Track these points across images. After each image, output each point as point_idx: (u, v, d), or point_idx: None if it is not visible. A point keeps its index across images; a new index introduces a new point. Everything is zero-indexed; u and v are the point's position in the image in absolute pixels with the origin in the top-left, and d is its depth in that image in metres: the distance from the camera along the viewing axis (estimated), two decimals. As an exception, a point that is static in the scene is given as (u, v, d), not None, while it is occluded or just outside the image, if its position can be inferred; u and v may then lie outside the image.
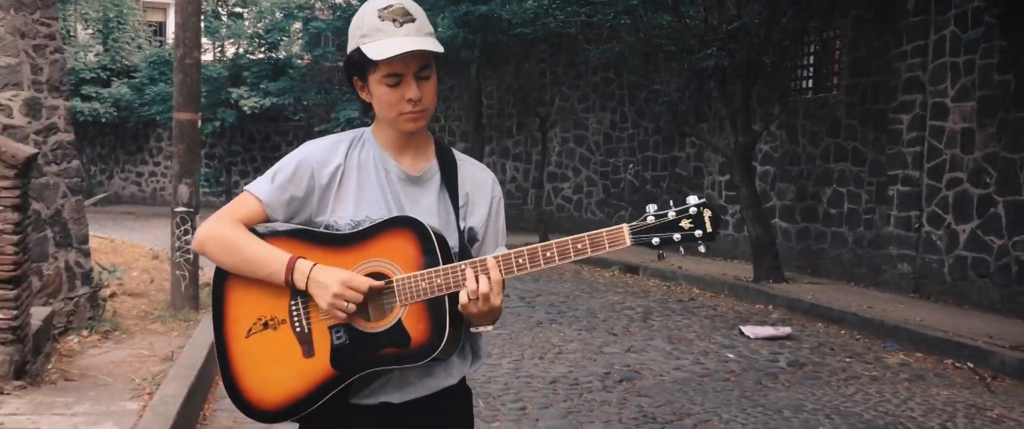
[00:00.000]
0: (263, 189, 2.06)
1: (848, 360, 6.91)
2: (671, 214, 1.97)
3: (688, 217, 1.96)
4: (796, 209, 11.47)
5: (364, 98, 2.08)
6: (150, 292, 8.22)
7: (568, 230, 15.51)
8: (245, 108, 18.81)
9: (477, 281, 1.92)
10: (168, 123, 19.67)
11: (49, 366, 5.16)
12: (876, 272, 10.02)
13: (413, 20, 1.99)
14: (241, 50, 20.64)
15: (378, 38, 1.97)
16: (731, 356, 6.93)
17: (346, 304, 1.93)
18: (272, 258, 1.98)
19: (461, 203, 2.10)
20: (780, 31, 10.14)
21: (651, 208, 1.98)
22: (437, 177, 2.10)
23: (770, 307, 9.24)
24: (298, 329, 2.00)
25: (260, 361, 2.02)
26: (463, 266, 1.95)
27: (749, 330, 7.77)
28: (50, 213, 6.09)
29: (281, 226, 2.05)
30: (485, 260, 1.94)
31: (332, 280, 1.93)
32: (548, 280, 10.84)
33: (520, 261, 1.95)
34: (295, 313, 2.01)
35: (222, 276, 2.07)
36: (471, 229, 2.11)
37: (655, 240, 1.96)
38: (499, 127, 17.43)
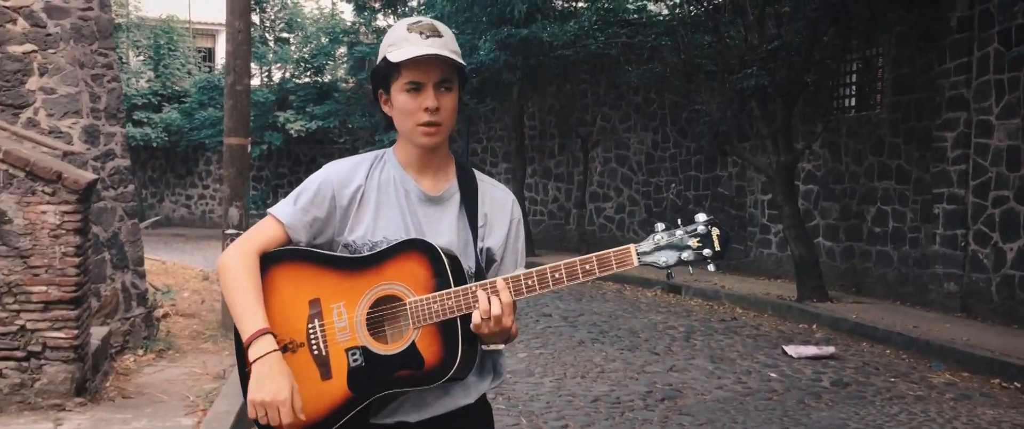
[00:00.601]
0: (286, 212, 2.08)
1: (893, 380, 6.87)
2: (679, 233, 1.96)
3: (696, 236, 1.95)
4: (840, 228, 11.41)
5: (386, 111, 2.10)
6: (201, 312, 8.43)
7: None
8: (291, 131, 19.17)
9: (489, 302, 1.93)
10: (217, 147, 20.13)
11: (107, 384, 5.34)
12: (922, 291, 9.93)
13: (440, 36, 2.02)
14: (287, 74, 21.06)
15: (404, 47, 2.00)
16: (774, 375, 6.92)
17: (264, 413, 1.93)
18: (247, 319, 1.98)
19: (480, 224, 2.11)
20: (821, 50, 10.14)
21: (659, 226, 1.97)
22: (457, 197, 2.11)
23: (814, 326, 9.20)
24: (316, 352, 2.02)
25: None
26: (474, 288, 1.96)
27: (792, 349, 7.75)
28: (108, 236, 6.31)
29: (298, 249, 2.07)
30: (495, 282, 1.96)
31: (271, 384, 1.92)
32: (590, 299, 10.90)
33: (529, 283, 1.95)
34: (313, 336, 2.02)
35: None
36: (489, 250, 2.11)
37: (663, 260, 1.95)
38: (541, 148, 17.55)
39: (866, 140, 10.89)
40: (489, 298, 1.93)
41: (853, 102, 11.60)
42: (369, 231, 2.06)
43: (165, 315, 7.50)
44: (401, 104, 2.03)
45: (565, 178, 17.25)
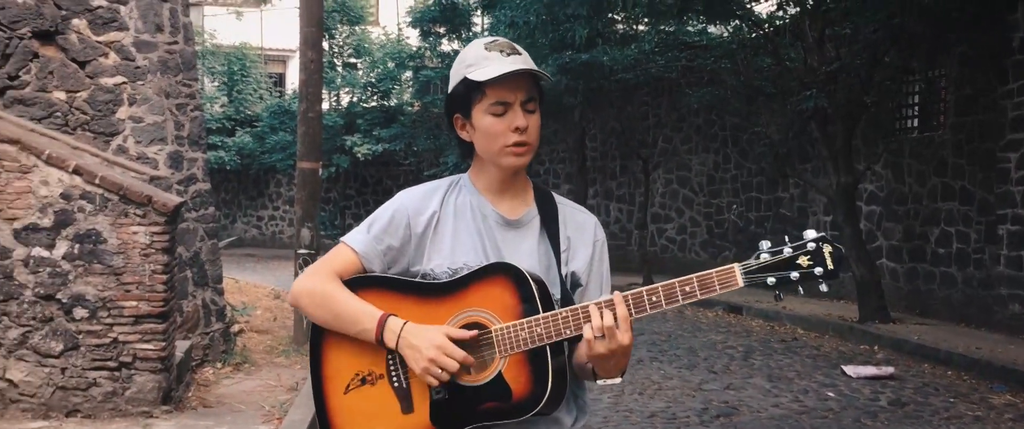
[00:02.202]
0: (359, 240, 2.02)
1: (952, 400, 6.88)
2: (787, 251, 1.83)
3: (806, 254, 1.81)
4: (903, 249, 11.35)
5: (464, 137, 2.01)
6: (274, 329, 8.82)
7: (672, 271, 15.63)
8: (359, 154, 19.69)
9: (602, 317, 1.81)
10: (287, 169, 20.76)
11: (189, 393, 5.70)
12: (987, 313, 9.84)
13: (520, 54, 1.96)
14: (355, 99, 21.64)
15: (485, 66, 1.92)
16: (831, 395, 6.99)
17: (439, 371, 1.86)
18: (363, 314, 1.93)
19: (562, 247, 2.01)
20: (881, 72, 10.17)
21: (764, 245, 1.86)
22: (536, 221, 2.03)
23: (875, 347, 9.19)
24: (396, 384, 1.94)
25: (359, 417, 1.96)
26: (564, 313, 1.85)
27: (851, 369, 7.79)
28: (190, 255, 6.71)
29: (376, 276, 2.00)
30: (613, 297, 1.84)
31: (426, 344, 1.87)
32: (651, 320, 11.02)
33: (652, 299, 1.85)
34: (393, 368, 1.94)
35: (319, 332, 2.02)
36: (574, 274, 2.02)
37: (770, 280, 1.82)
38: (602, 169, 17.73)
39: (929, 161, 10.84)
40: (602, 313, 1.81)
41: (916, 123, 11.56)
42: (447, 258, 1.98)
43: (241, 331, 7.89)
44: (487, 126, 1.94)
45: (627, 199, 17.39)
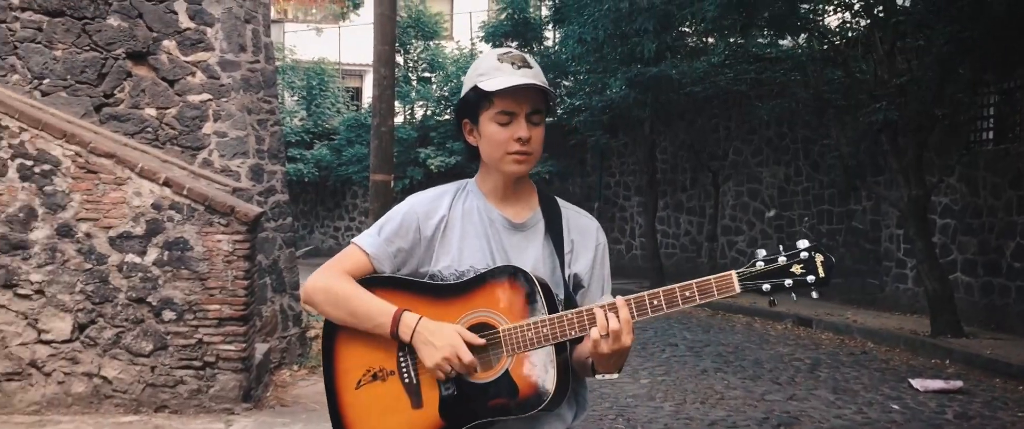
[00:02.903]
0: (370, 242, 2.09)
1: (1021, 415, 6.81)
2: (781, 259, 1.93)
3: (799, 262, 1.91)
4: (978, 263, 11.16)
5: (471, 141, 2.10)
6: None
7: (743, 283, 15.52)
8: (432, 166, 20.11)
9: (607, 319, 1.90)
10: (363, 182, 21.29)
11: (267, 393, 6.03)
12: (1065, 328, 9.63)
13: (531, 67, 2.03)
14: (429, 112, 22.10)
15: (495, 77, 2.00)
16: (896, 407, 6.98)
17: (451, 369, 1.94)
18: (378, 310, 2.00)
19: (566, 250, 2.09)
20: (953, 84, 10.06)
21: (760, 253, 1.95)
22: (541, 225, 2.10)
23: (946, 362, 9.08)
24: (407, 380, 2.01)
25: (370, 412, 2.03)
26: (569, 315, 1.94)
27: (919, 383, 7.74)
28: (269, 263, 7.06)
29: (387, 277, 2.07)
30: (615, 301, 1.94)
31: (441, 342, 1.95)
32: (718, 331, 11.06)
33: (654, 302, 1.94)
34: (403, 364, 2.01)
35: (331, 329, 2.09)
36: (576, 276, 2.10)
37: (765, 286, 1.92)
38: (673, 181, 17.76)
39: (1005, 174, 10.66)
40: (606, 315, 1.91)
41: (991, 135, 11.37)
42: (455, 260, 2.05)
43: (316, 336, 8.22)
44: (491, 133, 2.03)
45: (697, 211, 17.38)
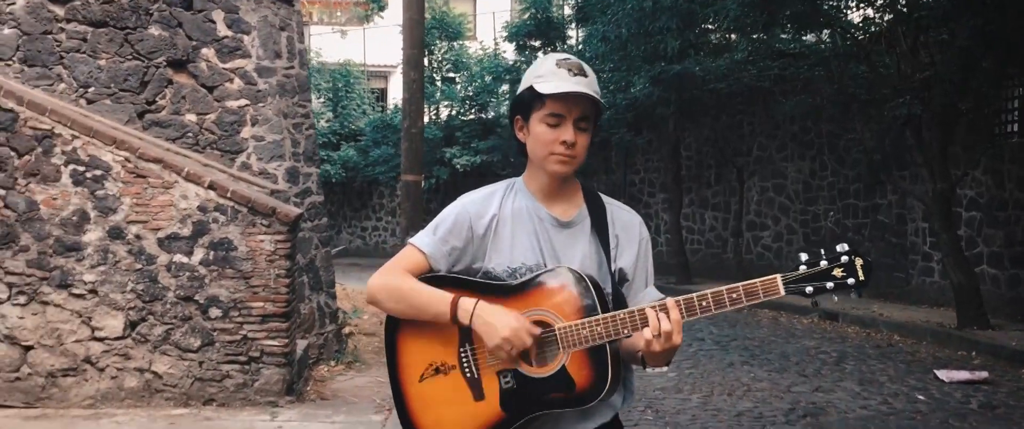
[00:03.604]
0: (426, 242, 2.20)
1: (1046, 405, 6.90)
2: (823, 263, 2.02)
3: (840, 266, 2.01)
4: (1004, 255, 11.20)
5: (520, 137, 2.21)
6: (381, 331, 9.36)
7: (768, 278, 15.61)
8: (457, 166, 20.33)
9: (659, 320, 2.01)
10: (389, 182, 21.57)
11: (308, 388, 6.26)
12: (1092, 319, 9.67)
13: (586, 76, 2.14)
14: (454, 112, 22.32)
15: (551, 80, 2.11)
16: (921, 398, 7.08)
17: (511, 348, 2.04)
18: (437, 299, 2.11)
19: (611, 246, 2.20)
20: (977, 78, 10.12)
21: (802, 257, 2.05)
22: (587, 222, 2.21)
23: (973, 353, 9.15)
24: (468, 374, 2.13)
25: (434, 404, 2.15)
26: (622, 315, 2.05)
27: (944, 374, 7.83)
28: (306, 262, 7.29)
29: (448, 276, 2.18)
30: (665, 302, 2.06)
31: (502, 322, 2.05)
32: (745, 325, 11.17)
33: (702, 304, 2.05)
34: (465, 359, 2.13)
35: (394, 325, 2.22)
36: (622, 270, 2.21)
37: (808, 289, 2.02)
38: (698, 177, 17.85)
39: (1030, 166, 10.70)
40: (658, 316, 2.02)
41: (1016, 127, 11.41)
42: (507, 258, 2.16)
43: (351, 333, 8.45)
44: (539, 133, 2.14)
45: (722, 207, 17.47)
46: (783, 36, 13.80)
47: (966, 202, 11.75)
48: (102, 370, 5.68)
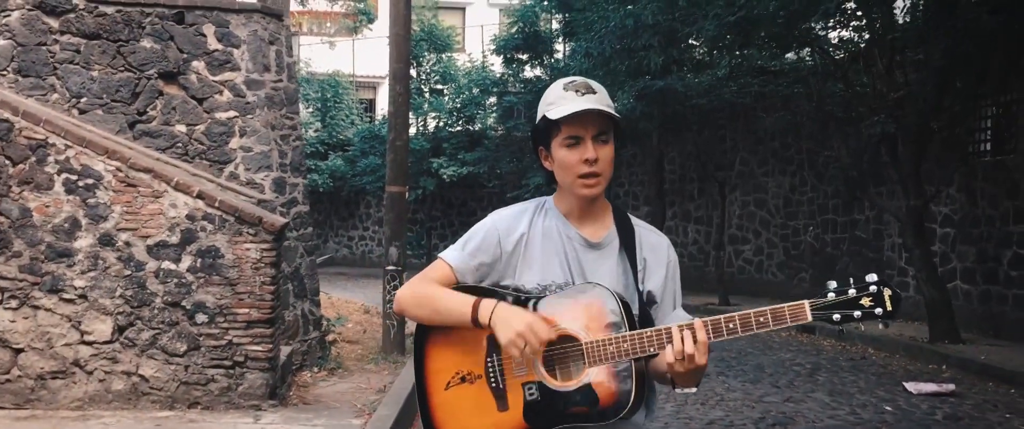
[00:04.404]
0: (455, 257, 2.24)
1: (1007, 416, 7.11)
2: (851, 292, 2.03)
3: (868, 295, 2.03)
4: (977, 271, 11.46)
5: (547, 166, 2.23)
6: (364, 340, 9.54)
7: (748, 292, 15.91)
8: (444, 176, 20.52)
9: (682, 342, 2.02)
10: (376, 192, 21.72)
11: (291, 393, 6.42)
12: (1059, 335, 9.92)
13: (595, 93, 2.15)
14: (441, 123, 22.52)
15: (562, 105, 2.13)
16: (888, 409, 7.29)
17: (524, 344, 2.06)
18: (459, 301, 2.16)
19: (639, 268, 2.21)
20: (950, 97, 10.38)
21: (831, 284, 2.06)
22: (616, 243, 2.23)
23: (943, 367, 9.37)
24: (494, 385, 2.15)
25: (458, 412, 2.18)
26: (648, 333, 2.06)
27: (912, 386, 8.04)
28: (291, 270, 7.46)
29: (478, 287, 2.22)
30: (693, 322, 2.06)
31: (517, 319, 2.08)
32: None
33: (729, 326, 2.06)
34: (491, 370, 2.15)
35: (423, 333, 2.25)
36: (650, 292, 2.22)
37: (836, 316, 2.04)
38: (681, 191, 18.09)
39: (1002, 184, 10.96)
40: (683, 338, 2.02)
41: (989, 147, 11.68)
42: (537, 275, 2.19)
43: (334, 341, 8.62)
44: (561, 158, 2.15)
45: (704, 221, 17.71)
46: (766, 53, 14.09)
47: (941, 219, 12.01)
48: (90, 373, 5.84)
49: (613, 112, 2.15)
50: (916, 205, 10.63)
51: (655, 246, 2.26)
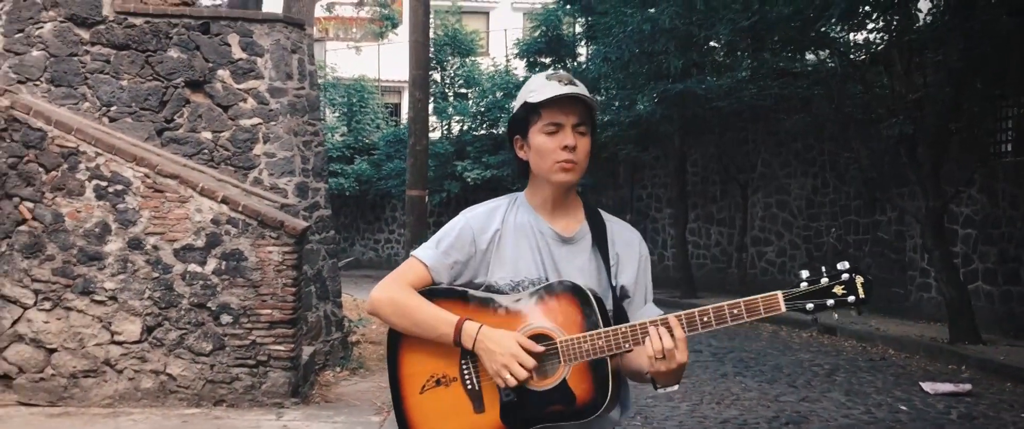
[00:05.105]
0: (429, 255, 2.22)
1: (1023, 416, 7.14)
2: (824, 281, 2.04)
3: (841, 283, 2.03)
4: (998, 272, 11.44)
5: (522, 156, 2.23)
6: (385, 340, 9.72)
7: (772, 293, 15.85)
8: (468, 180, 20.71)
9: (660, 339, 2.01)
10: (402, 195, 21.89)
11: (313, 391, 6.61)
12: (1080, 335, 9.90)
13: (576, 85, 2.16)
14: (465, 127, 22.72)
15: (543, 91, 2.14)
16: (904, 408, 7.34)
17: (510, 376, 2.05)
18: (441, 320, 2.12)
19: (612, 263, 2.21)
20: (969, 98, 10.39)
21: (803, 274, 2.06)
22: (588, 238, 2.22)
23: (962, 367, 9.38)
24: (469, 387, 2.13)
25: (434, 415, 2.15)
26: (623, 329, 2.06)
27: (929, 386, 8.08)
28: (313, 272, 7.65)
29: (450, 288, 2.20)
30: (668, 318, 2.06)
31: (502, 349, 2.06)
32: (744, 338, 11.43)
33: (704, 319, 2.06)
34: (466, 372, 2.13)
35: (396, 337, 2.22)
36: (623, 287, 2.23)
37: (809, 306, 2.04)
38: (703, 193, 18.13)
39: (1023, 185, 10.95)
40: (660, 334, 2.02)
41: (1010, 147, 11.66)
42: (510, 272, 2.18)
43: (357, 341, 8.81)
44: (540, 144, 2.16)
45: (727, 222, 17.74)
46: (785, 55, 14.15)
47: (962, 220, 12.00)
48: (120, 372, 6.06)
49: (593, 101, 2.18)
50: (935, 206, 10.64)
51: (627, 241, 2.26)
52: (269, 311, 6.04)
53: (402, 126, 24.84)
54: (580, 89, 2.16)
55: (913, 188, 12.40)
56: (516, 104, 2.24)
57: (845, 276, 2.03)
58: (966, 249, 11.86)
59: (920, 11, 10.70)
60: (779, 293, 2.02)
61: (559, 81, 2.15)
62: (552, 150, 2.14)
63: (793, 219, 16.00)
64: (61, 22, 7.05)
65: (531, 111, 2.16)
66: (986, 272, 11.64)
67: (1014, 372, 8.70)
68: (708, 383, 8.30)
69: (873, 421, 6.86)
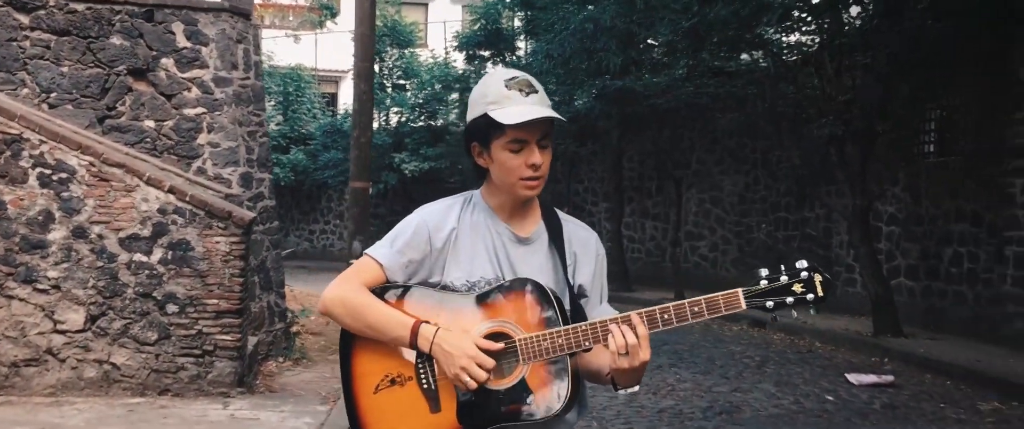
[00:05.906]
0: (383, 254, 2.16)
1: (942, 406, 7.51)
2: (783, 279, 2.03)
3: (800, 281, 2.02)
4: (920, 268, 11.93)
5: (481, 163, 2.16)
6: (327, 331, 9.74)
7: (704, 287, 16.12)
8: (406, 172, 20.69)
9: (624, 336, 1.98)
10: (338, 186, 21.82)
11: (257, 381, 6.64)
12: (994, 329, 10.40)
13: (537, 91, 2.09)
14: (404, 119, 22.68)
15: (507, 105, 2.04)
16: (830, 398, 7.67)
17: (469, 379, 2.00)
18: (396, 323, 2.07)
19: (569, 263, 2.17)
20: (895, 101, 10.81)
21: (763, 272, 2.06)
22: (545, 238, 2.18)
23: (885, 359, 9.78)
24: (425, 385, 2.08)
25: (389, 416, 2.10)
26: (583, 327, 2.02)
27: (854, 377, 8.43)
28: (257, 263, 7.65)
29: (408, 286, 2.15)
30: (629, 316, 2.02)
31: (459, 352, 2.01)
32: (677, 332, 11.72)
33: (664, 317, 2.03)
34: (421, 371, 2.08)
35: (349, 336, 2.16)
36: (581, 286, 2.19)
37: (769, 304, 2.04)
38: (639, 188, 18.44)
39: (944, 185, 11.42)
40: (623, 331, 1.99)
41: (932, 148, 12.15)
42: (465, 271, 2.13)
43: (298, 332, 8.82)
44: (503, 160, 2.09)
45: (662, 218, 18.08)
46: (721, 55, 14.47)
47: (887, 217, 12.47)
48: (63, 361, 6.00)
49: (560, 117, 2.11)
50: (862, 204, 11.05)
51: (584, 240, 2.23)
52: (216, 301, 6.04)
53: (339, 116, 24.69)
54: (541, 96, 2.11)
55: (841, 186, 12.84)
56: (474, 110, 2.13)
57: (804, 274, 2.03)
58: (890, 246, 12.34)
59: (850, 16, 11.10)
60: (739, 290, 2.03)
61: (520, 90, 2.08)
62: (517, 168, 2.08)
63: (726, 215, 16.39)
64: (0, 7, 6.91)
65: (493, 126, 2.07)
66: (908, 268, 12.13)
67: (934, 364, 9.11)
68: (645, 374, 8.51)
69: (801, 411, 7.15)
